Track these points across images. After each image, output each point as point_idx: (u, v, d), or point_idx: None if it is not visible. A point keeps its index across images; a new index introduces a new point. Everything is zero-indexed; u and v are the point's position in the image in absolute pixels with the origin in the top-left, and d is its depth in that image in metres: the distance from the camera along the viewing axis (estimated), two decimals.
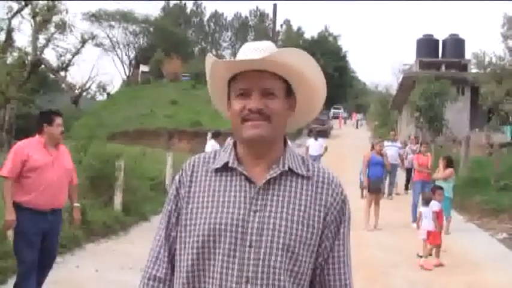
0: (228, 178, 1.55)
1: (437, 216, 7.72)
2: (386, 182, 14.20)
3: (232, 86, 1.57)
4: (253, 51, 1.55)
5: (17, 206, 4.58)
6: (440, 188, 8.31)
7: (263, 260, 1.46)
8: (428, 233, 7.68)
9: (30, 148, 4.64)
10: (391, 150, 14.42)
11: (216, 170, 1.57)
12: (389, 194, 14.49)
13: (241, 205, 1.50)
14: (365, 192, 12.24)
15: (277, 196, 1.52)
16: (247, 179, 1.53)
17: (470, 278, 7.08)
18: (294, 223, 1.50)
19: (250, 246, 1.47)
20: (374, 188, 10.44)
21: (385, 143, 14.48)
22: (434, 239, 7.65)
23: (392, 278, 6.95)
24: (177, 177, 1.63)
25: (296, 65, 1.53)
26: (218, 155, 1.61)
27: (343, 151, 22.30)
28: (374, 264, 7.25)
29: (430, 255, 7.69)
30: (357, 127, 49.29)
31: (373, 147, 11.47)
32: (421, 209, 8.35)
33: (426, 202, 8.29)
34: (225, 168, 1.56)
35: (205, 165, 1.60)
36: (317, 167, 1.61)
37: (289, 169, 1.55)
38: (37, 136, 4.77)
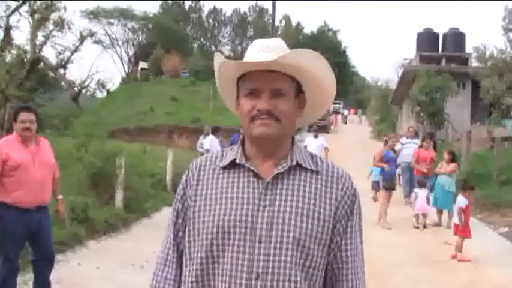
0: (236, 175, 1.53)
1: (464, 211, 7.72)
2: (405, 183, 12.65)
3: (241, 84, 1.54)
4: (264, 50, 1.52)
5: (3, 205, 4.51)
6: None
7: (273, 255, 1.44)
8: (456, 226, 7.85)
9: (8, 147, 4.54)
10: (409, 148, 12.51)
11: (224, 168, 1.55)
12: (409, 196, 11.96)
13: (250, 201, 1.47)
14: (372, 192, 12.11)
15: (286, 190, 1.49)
16: (256, 174, 1.50)
17: (473, 274, 7.04)
18: (304, 217, 1.47)
19: (259, 242, 1.44)
20: (390, 186, 10.27)
21: (403, 140, 13.42)
22: (462, 233, 7.71)
23: (396, 277, 6.91)
24: (184, 177, 1.61)
25: (307, 66, 1.50)
26: (225, 154, 1.59)
27: (342, 149, 21.83)
28: (378, 262, 7.20)
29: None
30: (345, 123, 46.63)
31: (386, 143, 11.29)
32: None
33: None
34: (233, 166, 1.54)
35: (212, 164, 1.58)
36: (325, 162, 1.59)
37: (298, 164, 1.52)
38: (14, 133, 4.70)
